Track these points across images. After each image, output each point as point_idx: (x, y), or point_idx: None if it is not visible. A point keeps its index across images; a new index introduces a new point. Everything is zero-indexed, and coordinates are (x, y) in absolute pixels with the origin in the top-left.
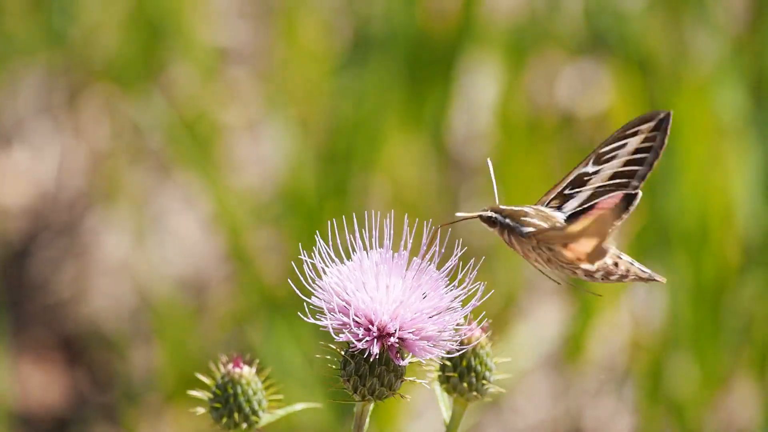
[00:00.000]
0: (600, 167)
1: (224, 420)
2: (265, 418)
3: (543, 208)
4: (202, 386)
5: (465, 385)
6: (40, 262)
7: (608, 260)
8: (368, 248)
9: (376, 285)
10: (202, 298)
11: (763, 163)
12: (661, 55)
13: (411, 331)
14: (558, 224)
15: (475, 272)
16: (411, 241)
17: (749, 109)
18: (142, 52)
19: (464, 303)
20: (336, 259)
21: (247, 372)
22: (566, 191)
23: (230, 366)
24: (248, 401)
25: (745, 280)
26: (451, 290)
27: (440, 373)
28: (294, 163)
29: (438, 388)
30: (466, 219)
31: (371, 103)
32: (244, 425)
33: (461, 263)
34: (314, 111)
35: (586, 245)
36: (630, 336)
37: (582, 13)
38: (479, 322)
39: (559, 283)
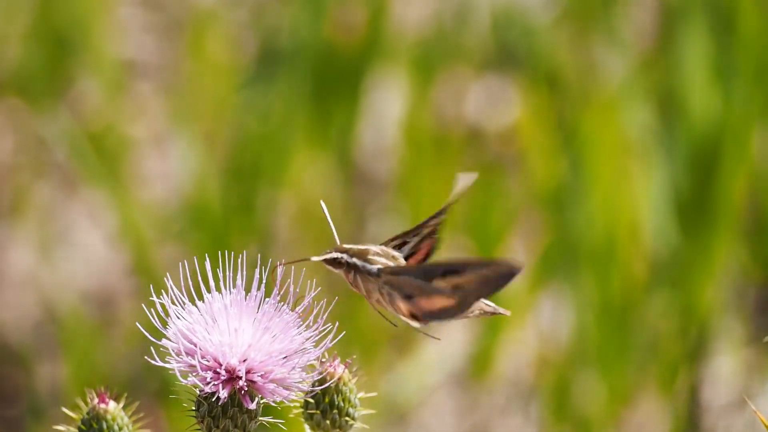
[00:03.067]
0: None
1: None
2: None
3: (389, 249)
4: (69, 421)
5: (328, 422)
6: None
7: (443, 321)
8: (221, 289)
9: (227, 327)
10: (109, 313)
11: (669, 181)
12: (569, 71)
13: (260, 374)
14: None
15: (326, 314)
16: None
17: (656, 126)
18: (48, 65)
19: (317, 343)
20: (187, 301)
21: (112, 407)
22: (407, 239)
23: (96, 401)
24: None
25: (652, 297)
26: (304, 331)
27: (304, 410)
28: (200, 178)
29: (307, 426)
30: (320, 260)
31: (278, 118)
32: None
33: (317, 302)
34: (221, 126)
35: (437, 303)
36: (537, 353)
37: (490, 27)
38: (342, 359)
39: (396, 326)
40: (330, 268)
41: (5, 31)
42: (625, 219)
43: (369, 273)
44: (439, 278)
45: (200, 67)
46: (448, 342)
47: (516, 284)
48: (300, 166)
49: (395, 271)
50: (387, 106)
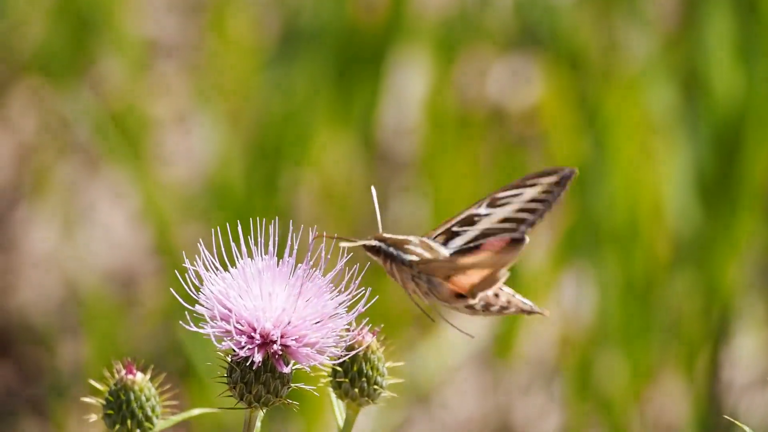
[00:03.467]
0: (492, 210)
1: (117, 427)
2: (159, 425)
3: (428, 241)
4: (96, 392)
5: (356, 390)
6: None
7: (489, 291)
8: (254, 256)
9: (260, 292)
10: (131, 292)
11: (692, 160)
12: (592, 50)
13: (294, 338)
14: (442, 257)
15: (359, 278)
16: (297, 248)
17: (679, 105)
18: (71, 45)
19: (350, 309)
20: (220, 268)
21: (140, 378)
22: (454, 228)
23: (123, 372)
24: (141, 408)
25: (675, 277)
26: (337, 296)
27: (332, 378)
28: (222, 157)
29: (333, 394)
30: (352, 246)
31: (300, 97)
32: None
33: (348, 269)
34: (243, 105)
35: (474, 277)
36: (559, 332)
37: (513, 7)
38: (371, 327)
39: (433, 321)
40: (369, 254)
41: (28, 11)
42: (647, 198)
43: (402, 263)
44: (463, 256)
45: (223, 47)
46: (471, 321)
47: (538, 263)
48: (322, 146)
49: (426, 261)
50: (409, 86)
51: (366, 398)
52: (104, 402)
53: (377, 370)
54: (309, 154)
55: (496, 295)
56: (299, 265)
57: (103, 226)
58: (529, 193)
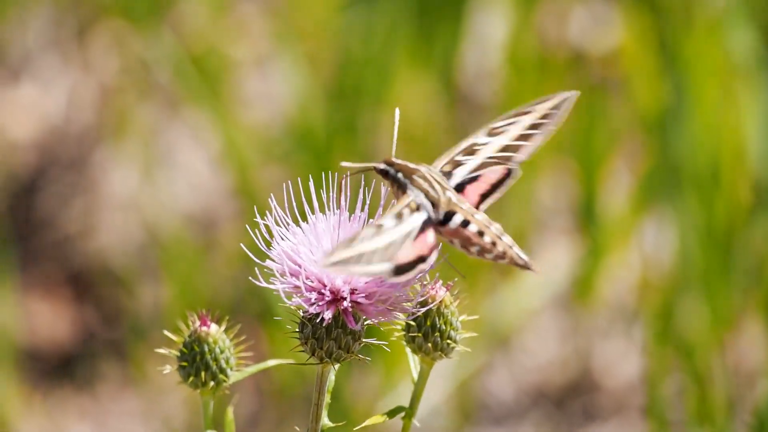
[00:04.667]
0: (491, 139)
1: (191, 379)
2: (233, 377)
3: (436, 171)
4: (171, 344)
5: (429, 345)
6: (47, 197)
7: (486, 238)
8: (326, 210)
9: (331, 248)
10: (211, 235)
11: None
12: None
13: (364, 294)
14: (448, 189)
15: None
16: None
17: (760, 49)
18: None
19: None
20: (291, 222)
21: (214, 330)
22: (458, 158)
23: (197, 324)
24: (215, 360)
25: (756, 222)
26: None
27: (405, 333)
28: (303, 100)
29: (407, 347)
30: (362, 170)
31: (380, 40)
32: (212, 384)
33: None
34: (323, 48)
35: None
36: (640, 277)
37: None
38: (444, 282)
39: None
40: (380, 177)
41: None
42: (729, 142)
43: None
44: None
45: None
46: (551, 265)
47: (619, 207)
48: (402, 88)
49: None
50: (490, 29)
51: (439, 353)
52: (178, 354)
53: (450, 324)
54: (389, 96)
55: (494, 243)
56: (371, 220)
57: (183, 169)
58: (526, 120)
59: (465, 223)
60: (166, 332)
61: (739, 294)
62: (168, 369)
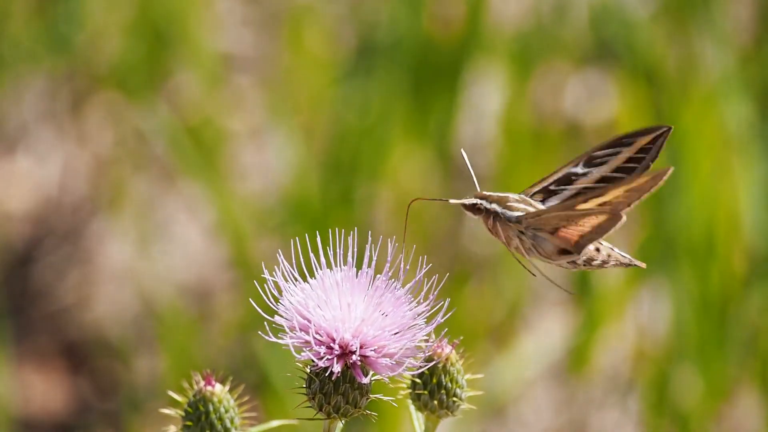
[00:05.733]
0: (589, 170)
1: None
2: None
3: (527, 198)
4: (175, 404)
5: (435, 402)
6: (43, 268)
7: (590, 246)
8: (332, 266)
9: (339, 303)
10: (206, 306)
11: None
12: (668, 65)
13: (373, 348)
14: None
15: (437, 289)
16: (375, 258)
17: (755, 121)
18: (147, 59)
19: (428, 320)
20: (299, 278)
21: (219, 390)
22: (551, 187)
23: (202, 384)
24: (220, 419)
25: (751, 292)
26: (415, 307)
27: (411, 390)
28: (298, 171)
29: (412, 406)
30: (466, 207)
31: (376, 111)
32: None
33: (426, 280)
34: (319, 119)
35: (586, 225)
36: (635, 347)
37: (588, 21)
38: (450, 340)
39: (534, 275)
40: (469, 214)
41: (105, 25)
42: (724, 213)
43: (509, 219)
44: (581, 203)
45: (298, 61)
46: (547, 336)
47: (614, 277)
48: (398, 160)
49: (537, 213)
50: (485, 100)
51: (445, 410)
52: (183, 413)
53: (456, 382)
54: (385, 168)
55: (597, 249)
56: (378, 276)
57: (178, 240)
58: (626, 152)
59: None
60: (169, 392)
61: (734, 365)
62: (173, 430)
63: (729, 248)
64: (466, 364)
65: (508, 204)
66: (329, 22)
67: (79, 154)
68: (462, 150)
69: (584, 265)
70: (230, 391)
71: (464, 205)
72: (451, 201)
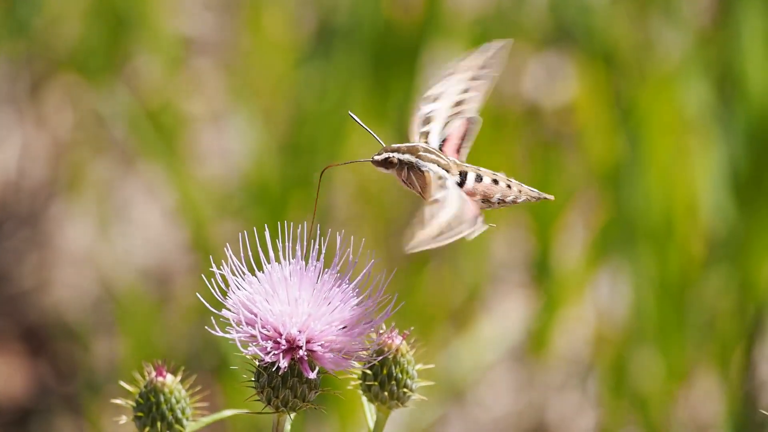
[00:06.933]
0: (438, 105)
1: (147, 429)
2: (189, 427)
3: (430, 146)
4: (126, 395)
5: (386, 393)
6: (2, 251)
7: (502, 184)
8: (281, 259)
9: (286, 297)
10: (166, 289)
11: (727, 158)
12: (626, 48)
13: (320, 343)
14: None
15: (387, 283)
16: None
17: (713, 104)
18: (106, 42)
19: (378, 312)
20: (247, 272)
21: (170, 380)
22: (423, 130)
23: (153, 374)
24: (171, 410)
25: (709, 275)
26: (364, 302)
27: (362, 382)
28: (258, 154)
29: (364, 397)
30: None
31: (336, 94)
32: None
33: (376, 273)
34: (278, 102)
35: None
36: (594, 330)
37: (548, 4)
38: (403, 329)
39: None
40: (381, 169)
41: (64, 9)
42: (682, 196)
43: (420, 169)
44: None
45: (258, 44)
46: (506, 319)
47: (573, 261)
48: (357, 143)
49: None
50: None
51: (396, 401)
52: (134, 404)
53: (407, 373)
54: (344, 151)
55: (509, 186)
56: (326, 270)
57: (138, 224)
58: (457, 76)
59: (479, 178)
60: (122, 383)
61: (693, 347)
62: (124, 419)
63: (687, 231)
64: (421, 352)
65: (419, 154)
66: (289, 5)
67: (38, 137)
68: (350, 113)
69: (498, 203)
70: (183, 380)
71: (375, 162)
72: (361, 160)
